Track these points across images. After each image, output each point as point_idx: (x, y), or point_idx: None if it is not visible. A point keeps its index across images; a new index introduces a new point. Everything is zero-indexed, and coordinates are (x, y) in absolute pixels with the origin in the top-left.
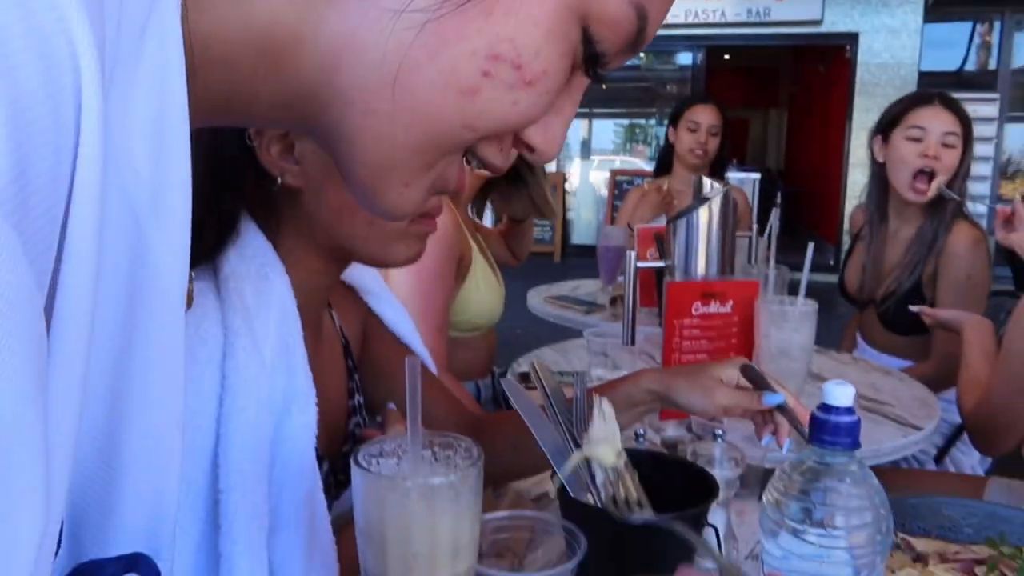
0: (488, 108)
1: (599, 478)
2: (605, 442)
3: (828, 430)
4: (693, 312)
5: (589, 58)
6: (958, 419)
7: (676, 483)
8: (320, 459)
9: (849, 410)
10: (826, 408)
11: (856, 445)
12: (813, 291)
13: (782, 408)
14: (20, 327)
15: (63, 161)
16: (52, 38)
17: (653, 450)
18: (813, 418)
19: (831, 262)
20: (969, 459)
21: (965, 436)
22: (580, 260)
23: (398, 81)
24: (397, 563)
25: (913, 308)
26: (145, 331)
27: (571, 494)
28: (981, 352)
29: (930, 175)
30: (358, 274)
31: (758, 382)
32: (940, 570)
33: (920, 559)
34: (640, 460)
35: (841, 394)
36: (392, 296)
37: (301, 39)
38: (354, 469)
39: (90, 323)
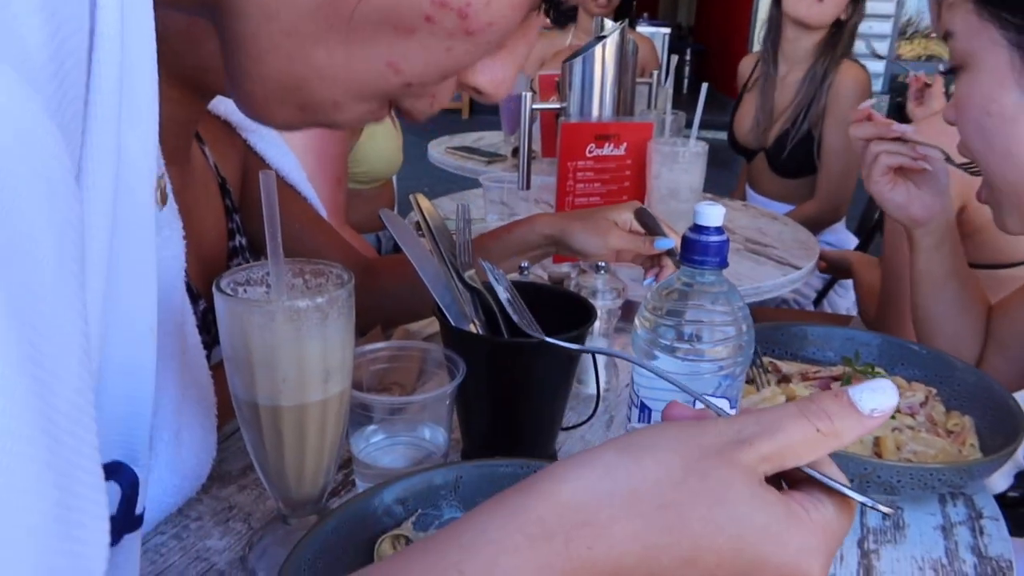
0: (417, 52)
1: (503, 295)
2: None
3: (698, 250)
4: (587, 154)
5: (550, 1)
6: None
7: (556, 312)
8: (197, 297)
9: (719, 230)
10: (697, 229)
11: (723, 264)
12: (715, 148)
13: (672, 253)
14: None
15: (83, 46)
16: None
17: (534, 281)
18: (684, 239)
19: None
20: (845, 301)
21: (842, 280)
22: (489, 118)
23: (336, 5)
24: (266, 388)
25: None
26: (124, 233)
27: (452, 323)
28: (868, 289)
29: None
30: (236, 109)
31: (651, 227)
32: (800, 387)
33: (784, 379)
34: (524, 291)
35: (712, 214)
36: (275, 133)
37: None
38: (217, 296)
39: (111, 216)
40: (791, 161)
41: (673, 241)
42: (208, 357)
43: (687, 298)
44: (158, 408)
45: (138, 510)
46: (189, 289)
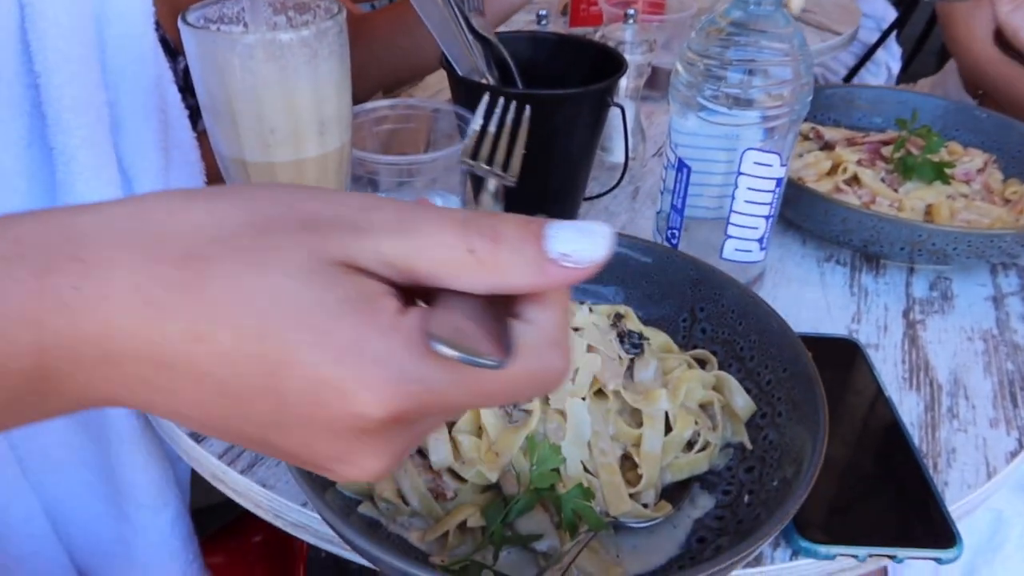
0: None
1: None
2: None
3: None
4: None
5: None
6: (872, 39)
7: (580, 66)
8: (175, 54)
9: None
10: None
11: None
12: None
13: None
14: None
15: None
16: None
17: (559, 32)
18: None
19: None
20: (876, 80)
21: (875, 57)
22: None
23: None
24: (253, 141)
25: None
26: None
27: (459, 74)
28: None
29: None
30: None
31: None
32: (847, 152)
33: (827, 146)
34: (542, 43)
35: None
36: None
37: None
38: (184, 31)
39: None
40: None
41: None
42: (196, 125)
43: (738, 34)
44: (139, 172)
45: None
46: (166, 44)
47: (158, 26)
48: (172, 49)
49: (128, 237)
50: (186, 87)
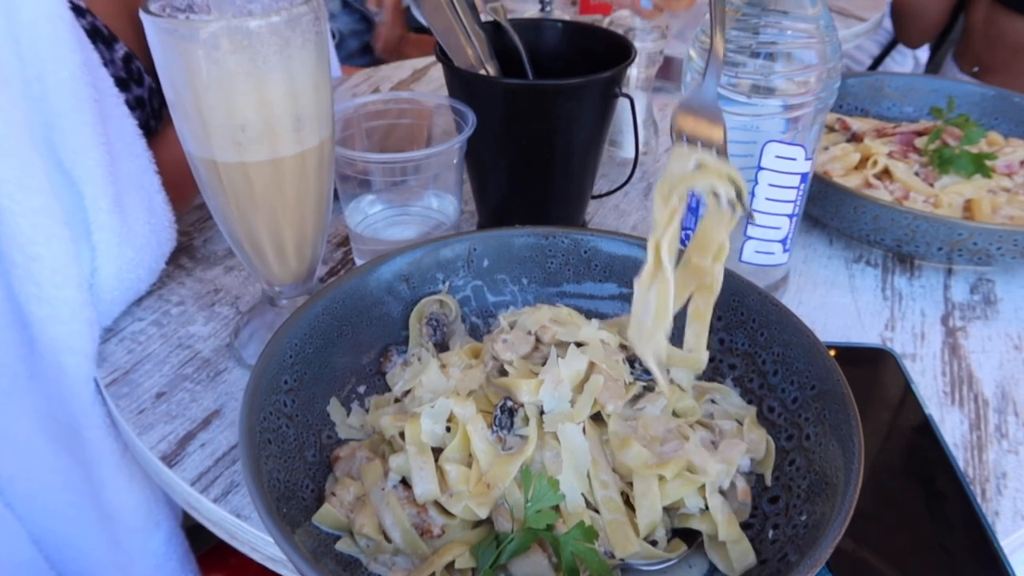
0: None
1: None
2: None
3: None
4: None
5: None
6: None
7: (588, 54)
8: (110, 40)
9: None
10: None
11: None
12: None
13: None
14: None
15: None
16: None
17: (564, 19)
18: None
19: None
20: (902, 68)
21: (900, 47)
22: None
23: None
24: (223, 140)
25: None
26: None
27: (455, 64)
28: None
29: None
30: None
31: None
32: (877, 144)
33: (855, 138)
34: (548, 30)
35: None
36: None
37: None
38: (145, 20)
39: None
40: None
41: None
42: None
43: (756, 15)
44: (83, 172)
45: None
46: (98, 31)
47: (87, 12)
48: (107, 36)
49: None
50: (129, 76)
